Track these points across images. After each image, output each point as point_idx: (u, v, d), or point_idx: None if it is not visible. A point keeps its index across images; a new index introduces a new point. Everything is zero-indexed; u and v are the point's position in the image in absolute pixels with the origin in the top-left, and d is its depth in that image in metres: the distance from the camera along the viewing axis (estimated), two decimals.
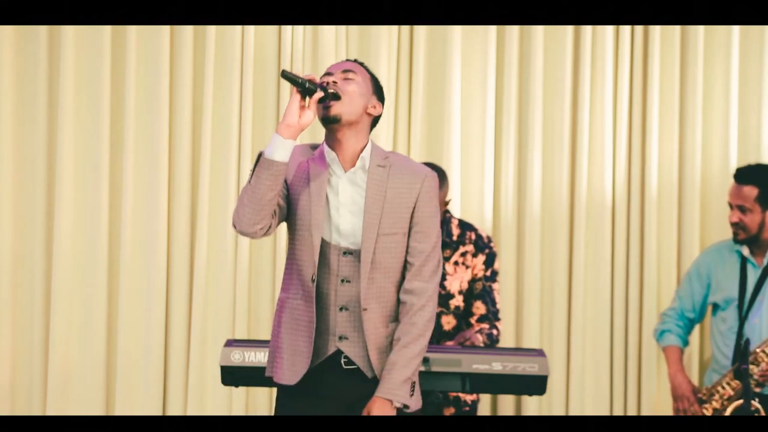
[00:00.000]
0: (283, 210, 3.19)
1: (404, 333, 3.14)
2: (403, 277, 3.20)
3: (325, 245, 3.16)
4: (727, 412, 4.32)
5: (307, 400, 3.18)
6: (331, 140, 3.16)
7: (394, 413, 3.10)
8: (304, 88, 3.05)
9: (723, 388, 4.43)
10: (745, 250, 4.56)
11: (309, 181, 3.15)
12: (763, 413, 4.26)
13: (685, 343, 4.70)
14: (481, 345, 4.24)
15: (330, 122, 3.11)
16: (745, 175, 4.54)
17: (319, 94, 3.06)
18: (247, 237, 3.17)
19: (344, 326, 3.16)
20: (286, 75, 3.05)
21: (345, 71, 3.15)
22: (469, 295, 4.39)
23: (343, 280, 3.15)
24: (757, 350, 4.40)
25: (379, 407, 3.10)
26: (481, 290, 4.39)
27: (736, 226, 4.52)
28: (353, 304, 3.15)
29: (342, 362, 3.17)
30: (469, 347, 4.10)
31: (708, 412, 4.44)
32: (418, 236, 3.18)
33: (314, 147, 3.24)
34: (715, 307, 4.65)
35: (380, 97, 3.23)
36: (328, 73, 3.17)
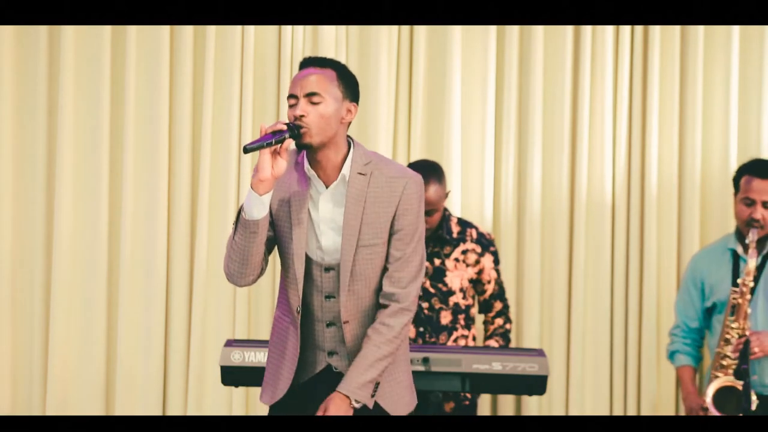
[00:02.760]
0: (272, 239, 3.16)
1: (377, 333, 3.10)
2: (376, 286, 3.16)
3: (309, 262, 3.13)
4: (711, 390, 4.24)
5: (298, 409, 3.17)
6: (310, 158, 3.10)
7: (350, 413, 3.05)
8: (271, 144, 2.95)
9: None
10: (740, 248, 4.43)
11: (290, 202, 3.10)
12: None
13: (697, 360, 4.55)
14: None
15: (303, 148, 3.06)
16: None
17: (289, 141, 2.98)
18: (240, 287, 3.15)
19: (332, 342, 3.16)
20: (249, 149, 2.94)
21: (309, 95, 3.03)
22: (489, 296, 4.44)
23: (327, 296, 3.14)
24: (726, 329, 4.28)
25: (337, 405, 3.04)
26: (498, 291, 4.46)
27: (757, 224, 4.30)
28: (339, 319, 3.14)
29: (332, 367, 3.18)
30: (469, 347, 4.11)
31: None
32: (397, 243, 3.13)
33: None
34: (712, 309, 4.50)
35: (354, 96, 3.12)
36: (292, 95, 3.06)
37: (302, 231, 3.09)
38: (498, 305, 4.46)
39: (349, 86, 3.12)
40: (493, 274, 4.43)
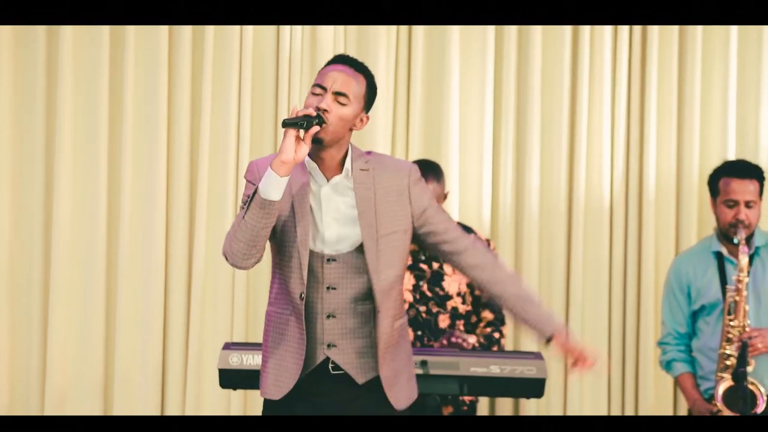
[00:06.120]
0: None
1: (517, 285, 3.25)
2: (401, 273, 3.20)
3: (309, 254, 3.14)
4: (720, 391, 4.24)
5: (295, 408, 3.18)
6: (312, 152, 3.12)
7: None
8: (303, 126, 3.00)
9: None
10: (724, 250, 4.43)
11: (291, 194, 3.12)
12: (759, 392, 4.23)
13: (693, 365, 4.49)
14: (468, 348, 4.28)
15: (313, 143, 3.07)
16: (748, 169, 4.44)
17: (315, 128, 3.01)
18: (239, 269, 3.12)
19: (332, 334, 3.16)
20: (286, 123, 2.99)
21: (338, 94, 3.08)
22: (477, 302, 4.42)
23: (328, 288, 3.15)
24: (727, 328, 4.29)
25: (573, 341, 3.23)
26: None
27: (743, 224, 4.34)
28: (340, 310, 3.15)
29: (330, 368, 3.18)
30: (467, 350, 4.14)
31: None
32: (433, 218, 3.21)
33: None
34: (699, 312, 4.48)
35: (369, 108, 3.18)
36: (320, 86, 3.10)
37: (306, 222, 3.11)
38: (489, 315, 4.42)
39: (371, 98, 3.18)
40: None
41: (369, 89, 3.16)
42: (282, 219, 3.12)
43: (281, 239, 3.15)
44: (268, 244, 3.15)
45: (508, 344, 4.99)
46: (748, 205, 4.34)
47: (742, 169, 4.43)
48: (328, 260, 3.14)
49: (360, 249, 3.13)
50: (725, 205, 4.38)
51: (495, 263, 3.26)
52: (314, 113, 3.01)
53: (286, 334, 3.18)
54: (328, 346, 3.16)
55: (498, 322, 4.41)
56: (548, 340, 3.22)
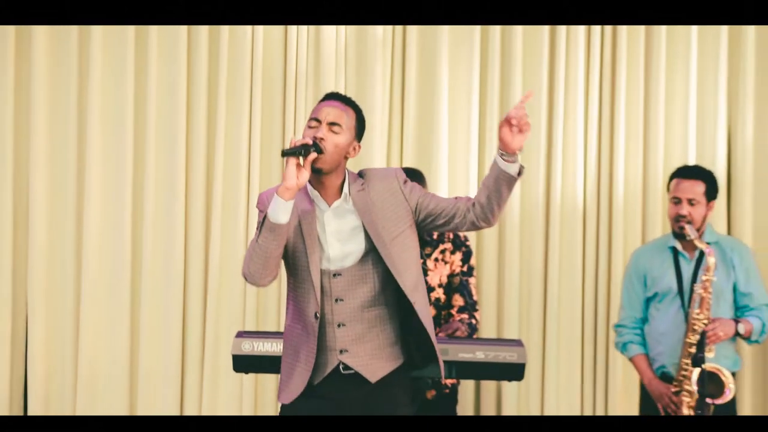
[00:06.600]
0: (284, 253, 3.43)
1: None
2: (419, 266, 3.48)
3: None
4: (694, 379, 4.51)
5: (309, 405, 3.41)
6: (314, 181, 3.40)
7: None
8: (302, 153, 3.27)
9: (685, 371, 4.58)
10: (679, 245, 4.68)
11: (300, 221, 3.39)
12: (727, 381, 4.55)
13: (648, 347, 4.77)
14: (465, 336, 4.50)
15: (314, 172, 3.35)
16: (695, 171, 4.75)
17: (314, 155, 3.26)
18: (258, 287, 3.34)
19: (344, 341, 3.38)
20: (286, 153, 3.22)
21: (331, 124, 3.33)
22: (449, 288, 4.61)
23: (337, 300, 3.38)
24: (693, 320, 4.53)
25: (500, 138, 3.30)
26: (458, 284, 4.59)
27: (684, 219, 4.61)
28: (349, 319, 3.38)
29: (340, 368, 3.40)
30: (456, 338, 4.39)
31: (687, 398, 4.54)
32: (425, 201, 3.40)
33: None
34: (652, 298, 4.74)
35: (361, 137, 3.42)
36: (315, 119, 3.35)
37: (316, 246, 3.39)
38: (459, 299, 4.54)
39: (362, 127, 3.45)
40: (458, 270, 4.58)
41: (358, 121, 3.42)
42: (293, 245, 3.40)
43: (294, 264, 3.40)
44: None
45: (491, 332, 5.27)
46: (690, 202, 4.64)
47: (690, 170, 4.77)
48: (334, 275, 3.38)
49: (362, 261, 3.38)
50: (672, 202, 4.71)
51: (474, 196, 3.39)
52: (310, 141, 3.30)
53: (299, 346, 3.44)
54: (341, 351, 3.38)
55: (470, 307, 4.57)
56: (502, 156, 3.29)
